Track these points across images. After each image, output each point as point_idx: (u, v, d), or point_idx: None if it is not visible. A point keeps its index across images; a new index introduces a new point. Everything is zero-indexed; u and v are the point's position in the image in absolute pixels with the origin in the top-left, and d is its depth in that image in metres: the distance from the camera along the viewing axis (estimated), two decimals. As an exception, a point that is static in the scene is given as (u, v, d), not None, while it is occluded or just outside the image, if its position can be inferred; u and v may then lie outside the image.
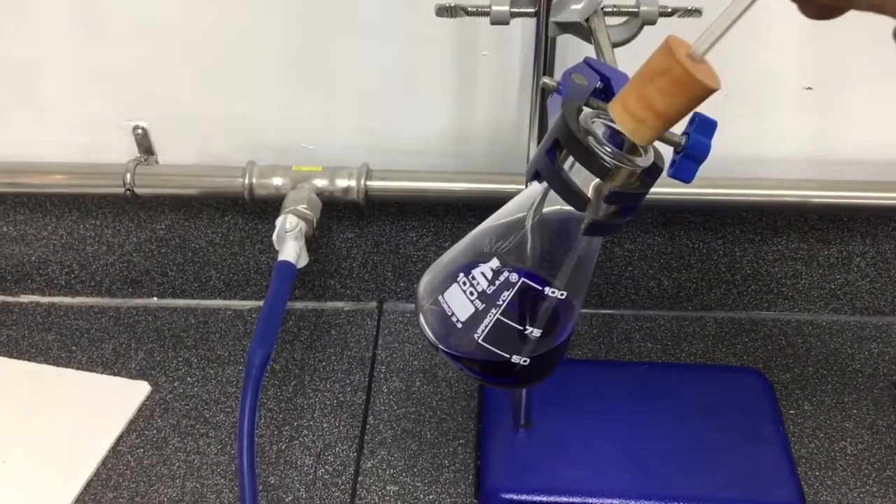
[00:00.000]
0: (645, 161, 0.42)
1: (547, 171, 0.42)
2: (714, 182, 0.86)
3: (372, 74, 0.84)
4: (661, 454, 0.80)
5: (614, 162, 0.41)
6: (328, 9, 0.80)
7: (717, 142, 0.93)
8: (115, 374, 0.89)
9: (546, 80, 0.47)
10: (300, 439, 0.84)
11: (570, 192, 0.42)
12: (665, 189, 0.85)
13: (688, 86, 0.38)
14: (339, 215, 0.92)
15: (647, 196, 0.90)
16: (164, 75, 0.86)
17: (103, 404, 0.86)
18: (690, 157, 0.46)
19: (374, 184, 0.86)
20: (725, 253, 0.94)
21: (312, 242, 0.85)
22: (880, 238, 0.91)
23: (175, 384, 0.89)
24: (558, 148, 0.42)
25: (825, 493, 0.79)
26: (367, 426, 0.85)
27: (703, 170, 0.87)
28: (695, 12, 0.60)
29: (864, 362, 0.92)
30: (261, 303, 0.93)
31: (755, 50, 0.81)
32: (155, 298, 1.00)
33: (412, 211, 0.92)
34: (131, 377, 0.89)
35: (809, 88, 0.83)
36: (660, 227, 0.92)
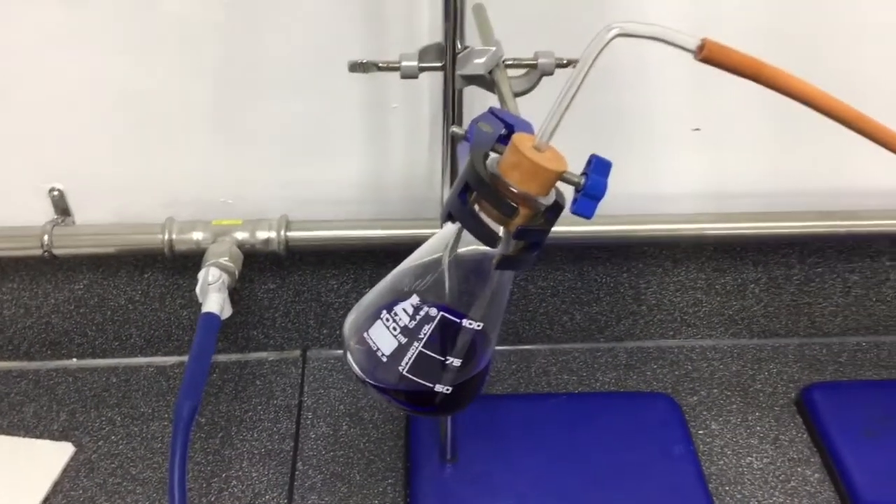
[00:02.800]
0: (547, 200, 0.46)
1: (459, 212, 0.46)
2: (617, 219, 0.92)
3: (288, 129, 0.87)
4: (581, 480, 0.84)
5: (519, 202, 0.45)
6: (242, 66, 0.83)
7: (619, 180, 0.99)
8: (37, 437, 0.88)
9: (455, 128, 0.51)
10: (229, 490, 0.84)
11: (481, 230, 0.45)
12: (573, 227, 0.91)
13: (537, 173, 0.44)
14: (260, 266, 0.94)
15: (557, 234, 0.96)
16: (78, 137, 0.87)
17: (27, 467, 0.85)
18: (589, 195, 0.50)
19: (294, 234, 0.88)
20: (631, 285, 0.99)
21: (234, 294, 0.87)
22: (771, 265, 0.98)
23: (99, 443, 0.89)
24: (469, 191, 0.45)
25: (735, 507, 0.85)
26: (297, 472, 0.86)
27: (607, 207, 0.93)
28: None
29: (764, 382, 0.98)
30: (184, 358, 0.94)
31: (649, 97, 0.87)
32: (75, 360, 0.99)
33: (332, 259, 0.94)
34: (54, 439, 0.88)
35: (697, 129, 0.89)
36: (569, 263, 0.97)
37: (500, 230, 0.46)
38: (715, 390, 0.97)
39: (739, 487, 0.86)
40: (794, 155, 0.91)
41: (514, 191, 0.45)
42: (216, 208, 0.91)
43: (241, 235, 0.88)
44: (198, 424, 0.91)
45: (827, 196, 0.93)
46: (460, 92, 0.65)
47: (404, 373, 0.48)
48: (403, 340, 0.48)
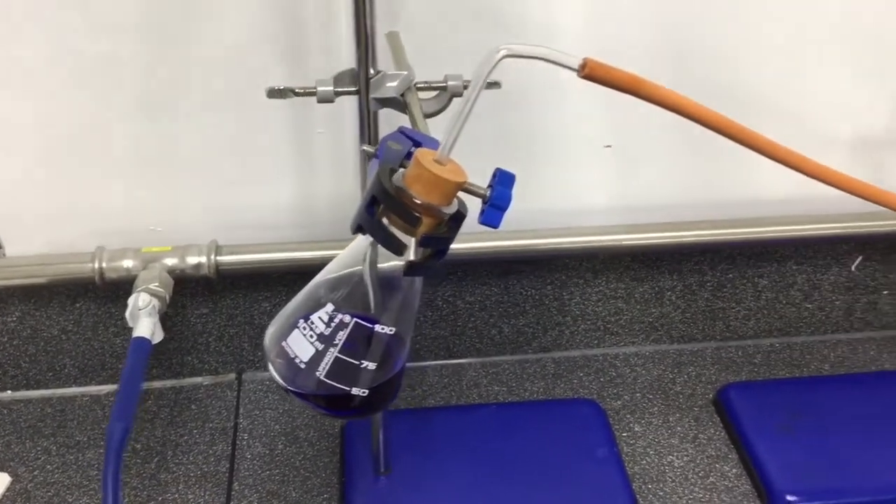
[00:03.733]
0: (450, 209, 0.50)
1: (367, 223, 0.49)
2: (538, 233, 0.96)
3: (215, 155, 0.90)
4: (511, 486, 0.87)
5: (422, 212, 0.48)
6: (167, 96, 0.85)
7: (537, 197, 1.04)
8: (-31, 470, 0.89)
9: (366, 147, 0.54)
10: (166, 512, 0.85)
11: (388, 240, 0.48)
12: (497, 242, 0.94)
13: (438, 184, 0.47)
14: (191, 292, 0.96)
15: (481, 250, 1.01)
16: (4, 169, 0.88)
17: (-41, 500, 0.85)
18: (495, 206, 0.54)
19: (224, 258, 0.90)
20: (555, 297, 1.03)
21: (167, 320, 0.88)
22: (685, 273, 1.04)
23: (35, 473, 0.89)
24: (376, 203, 0.49)
25: (658, 503, 0.88)
26: (233, 493, 0.88)
27: (527, 223, 0.97)
28: (494, 85, 0.69)
29: (683, 385, 1.03)
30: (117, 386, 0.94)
31: (564, 116, 0.91)
32: (9, 392, 0.99)
33: (264, 282, 0.97)
34: (-12, 470, 0.89)
35: (609, 146, 0.94)
36: (496, 278, 1.01)
37: (407, 239, 0.49)
38: (638, 394, 1.01)
39: (661, 485, 0.90)
40: (699, 167, 0.97)
41: (418, 202, 0.48)
42: (146, 236, 0.93)
43: (170, 261, 0.89)
44: (133, 450, 0.92)
45: (732, 206, 0.98)
46: (375, 114, 0.68)
47: (322, 378, 0.51)
48: (320, 347, 0.51)
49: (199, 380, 1.01)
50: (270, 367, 0.53)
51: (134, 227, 0.92)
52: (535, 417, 0.96)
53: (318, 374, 0.51)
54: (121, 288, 0.92)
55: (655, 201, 0.99)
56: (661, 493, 0.89)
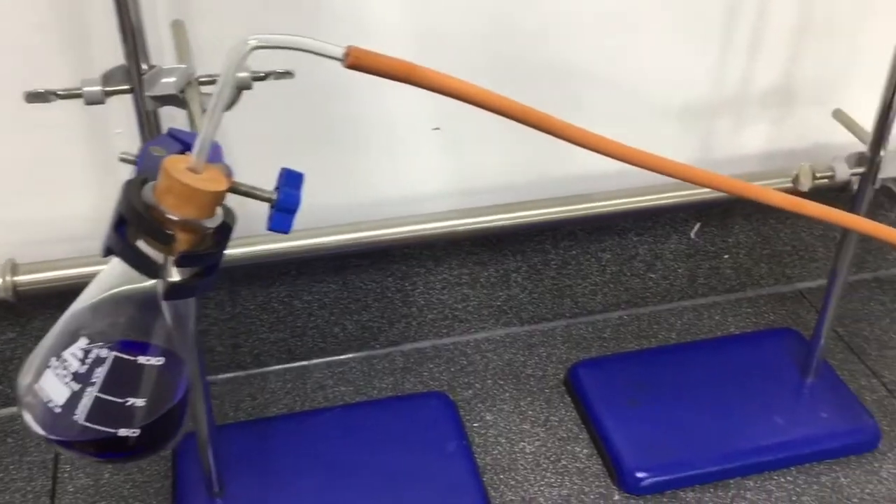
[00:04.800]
0: (213, 222, 0.44)
1: (117, 245, 0.43)
2: (372, 224, 0.91)
3: (5, 169, 0.81)
4: (358, 492, 0.83)
5: (177, 228, 0.43)
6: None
7: (369, 187, 0.99)
8: None
9: (124, 154, 0.48)
10: (-23, 563, 0.77)
11: (140, 262, 0.43)
12: (331, 237, 0.89)
13: (192, 195, 0.42)
14: (-6, 316, 0.87)
15: (315, 246, 0.94)
16: None
17: None
18: (283, 209, 0.49)
19: (23, 278, 0.82)
20: (398, 289, 0.99)
21: None
22: (528, 253, 1.02)
23: None
24: (125, 222, 0.43)
25: (510, 493, 0.86)
26: (55, 532, 0.81)
27: (363, 214, 0.93)
28: (287, 74, 0.64)
29: (535, 367, 1.01)
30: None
31: (386, 101, 0.87)
32: None
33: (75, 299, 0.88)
34: None
35: (437, 129, 0.91)
36: (332, 274, 0.96)
37: (165, 258, 0.44)
38: (489, 381, 0.99)
39: (513, 474, 0.88)
40: (529, 146, 0.94)
41: (172, 217, 0.43)
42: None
43: (-39, 286, 0.81)
44: (-60, 496, 0.83)
45: (569, 182, 0.96)
46: (155, 114, 0.62)
47: (82, 422, 0.45)
48: (76, 387, 0.45)
49: (13, 410, 0.93)
50: (25, 414, 0.46)
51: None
52: (382, 417, 0.92)
53: (76, 418, 0.45)
54: None
55: (491, 183, 0.96)
56: (512, 483, 0.87)
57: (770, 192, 0.60)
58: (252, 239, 0.87)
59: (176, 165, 0.43)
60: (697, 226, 1.05)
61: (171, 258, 0.44)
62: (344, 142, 0.88)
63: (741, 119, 0.99)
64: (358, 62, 0.45)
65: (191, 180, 0.42)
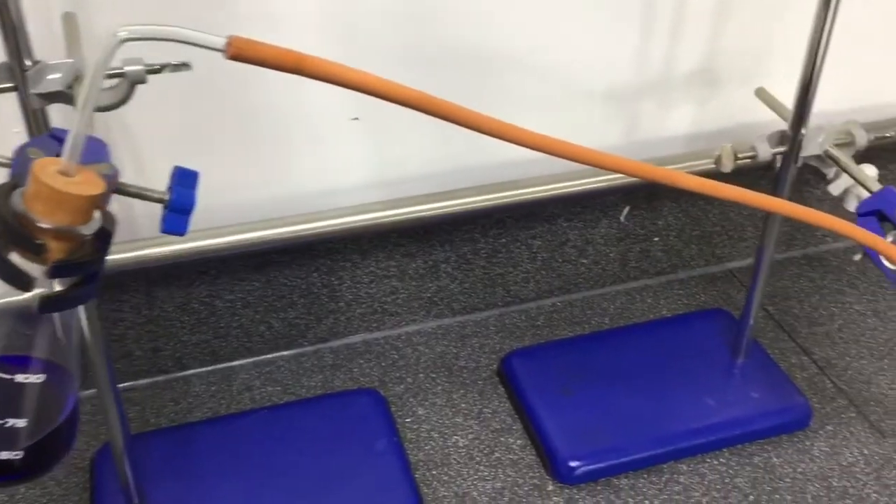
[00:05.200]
0: (89, 228, 0.42)
1: (-14, 257, 0.40)
2: (292, 219, 0.88)
3: None
4: (285, 495, 0.81)
5: (49, 236, 0.40)
6: None
7: (287, 180, 0.96)
8: None
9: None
10: None
11: (9, 275, 0.40)
12: (248, 234, 0.86)
13: (63, 201, 0.39)
14: None
15: (233, 243, 0.90)
16: None
17: None
18: (177, 210, 0.46)
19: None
20: (324, 284, 0.97)
21: None
22: (457, 243, 1.00)
23: None
24: (-1, 232, 0.40)
25: (442, 489, 0.84)
26: (-35, 554, 0.77)
27: (283, 209, 0.90)
28: (183, 66, 0.61)
29: (468, 358, 0.99)
30: None
31: (301, 91, 0.84)
32: None
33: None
34: None
35: (356, 119, 0.88)
36: (253, 272, 0.93)
37: (38, 270, 0.41)
38: (421, 375, 0.97)
39: (446, 469, 0.87)
40: (454, 133, 0.91)
41: (42, 225, 0.40)
42: None
43: None
44: None
45: (493, 169, 0.95)
46: (42, 112, 0.58)
47: (-45, 447, 0.42)
48: (-52, 411, 0.42)
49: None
50: None
51: None
52: (310, 416, 0.89)
53: (-52, 443, 0.42)
54: None
55: (416, 172, 0.94)
56: (445, 478, 0.86)
57: (684, 177, 0.59)
58: (167, 238, 0.83)
59: (45, 168, 0.40)
60: (627, 209, 1.05)
61: (42, 269, 0.41)
62: (261, 134, 0.85)
63: (666, 101, 0.98)
64: (240, 53, 0.42)
65: (60, 184, 0.39)
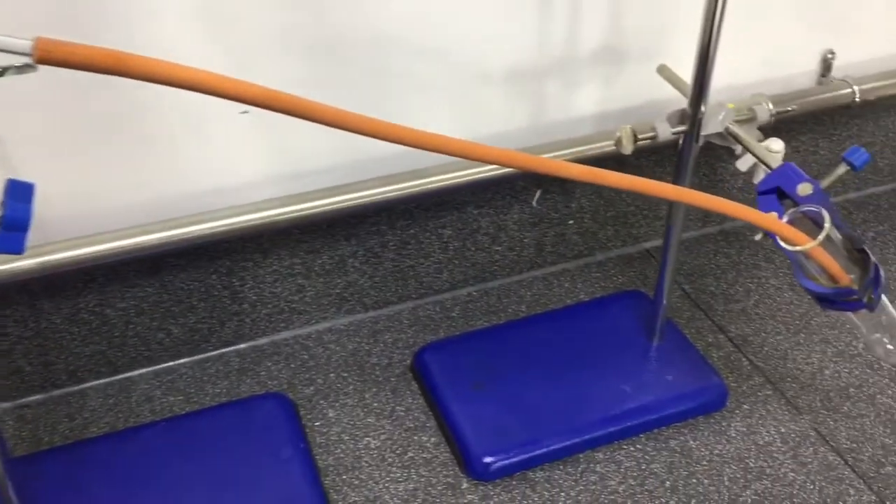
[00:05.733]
0: None
1: None
2: (182, 221, 0.84)
3: None
4: (186, 512, 0.77)
5: None
6: None
7: (175, 179, 0.91)
8: None
9: None
10: None
11: None
12: (135, 238, 0.82)
13: None
14: None
15: (117, 249, 0.84)
16: None
17: None
18: (12, 227, 0.42)
19: None
20: (225, 286, 0.92)
21: None
22: (364, 236, 0.96)
23: None
24: None
25: (353, 494, 0.81)
26: None
27: (173, 210, 0.85)
28: (27, 68, 0.56)
29: (380, 354, 0.96)
30: None
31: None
32: None
33: None
34: None
35: (246, 112, 0.83)
36: (147, 277, 0.88)
37: None
38: (332, 375, 0.94)
39: (357, 473, 0.83)
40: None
41: None
42: None
43: None
44: None
45: (397, 158, 0.91)
46: None
47: None
48: None
49: None
50: None
51: None
52: (212, 426, 0.85)
53: None
54: None
55: (314, 165, 0.90)
56: (356, 483, 0.83)
57: (567, 166, 0.56)
58: (46, 248, 0.79)
59: None
60: (538, 193, 1.02)
61: None
62: (145, 131, 0.80)
63: (571, 81, 0.96)
64: (49, 56, 0.38)
65: None
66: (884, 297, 0.69)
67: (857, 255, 0.65)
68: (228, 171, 0.86)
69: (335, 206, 0.89)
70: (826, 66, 1.09)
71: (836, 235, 0.64)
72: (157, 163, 0.83)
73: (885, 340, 0.75)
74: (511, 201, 1.01)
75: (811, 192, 0.69)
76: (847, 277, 0.64)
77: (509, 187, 1.00)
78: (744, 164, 0.86)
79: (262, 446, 0.83)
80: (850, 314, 0.71)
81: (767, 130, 1.05)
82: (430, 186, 0.92)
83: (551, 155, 0.95)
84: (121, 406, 0.89)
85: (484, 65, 0.91)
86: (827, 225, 0.61)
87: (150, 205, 0.84)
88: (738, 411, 0.90)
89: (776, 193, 0.71)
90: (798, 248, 0.61)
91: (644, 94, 1.00)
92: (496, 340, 0.96)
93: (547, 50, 0.92)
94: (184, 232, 0.84)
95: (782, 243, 0.62)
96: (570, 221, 1.06)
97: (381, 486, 0.82)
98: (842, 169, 0.71)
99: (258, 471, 0.81)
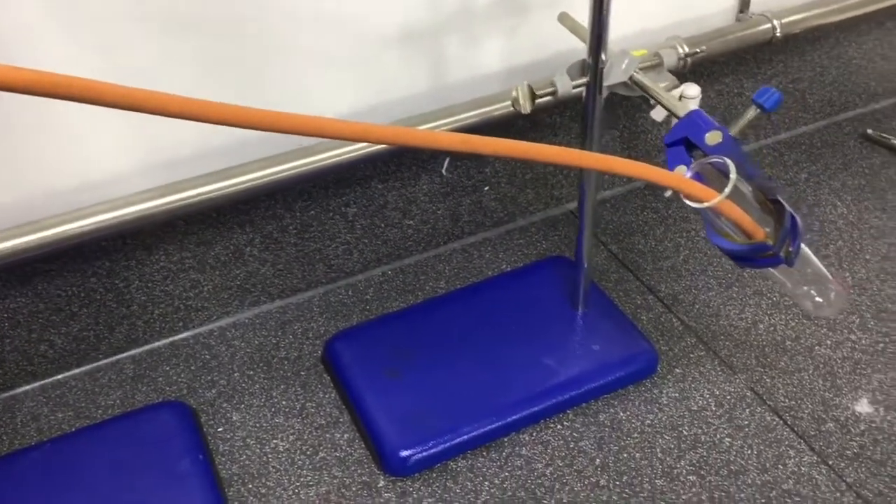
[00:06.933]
0: None
1: None
2: (47, 222, 0.76)
3: None
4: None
5: None
6: None
7: (37, 177, 0.83)
8: None
9: None
10: None
11: None
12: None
13: None
14: None
15: None
16: None
17: None
18: None
19: None
20: (107, 288, 0.85)
21: None
22: (259, 222, 0.89)
23: None
24: None
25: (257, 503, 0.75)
26: None
27: (32, 212, 0.77)
28: None
29: (289, 347, 0.89)
30: None
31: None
32: None
33: None
34: None
35: (106, 96, 0.75)
36: (17, 286, 0.80)
37: None
38: (236, 374, 0.87)
39: (264, 480, 0.77)
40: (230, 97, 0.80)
41: None
42: None
43: None
44: None
45: (281, 137, 0.83)
46: None
47: None
48: None
49: None
50: None
51: None
52: (102, 443, 0.78)
53: None
54: None
55: (192, 150, 0.82)
56: (263, 491, 0.76)
57: (443, 136, 0.50)
58: None
59: None
60: (447, 160, 0.95)
61: None
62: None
63: (470, 36, 0.88)
64: None
65: None
66: (806, 249, 0.64)
67: (771, 206, 0.59)
68: (97, 163, 0.78)
69: (220, 192, 0.82)
70: (744, 1, 1.03)
71: (746, 187, 0.58)
72: (14, 158, 0.74)
73: (814, 293, 0.70)
74: (418, 171, 0.94)
75: (721, 140, 0.63)
76: (762, 232, 0.59)
77: (413, 157, 0.93)
78: (658, 114, 0.80)
79: (154, 461, 0.76)
80: (772, 270, 0.65)
81: (685, 75, 0.99)
82: (327, 163, 0.85)
83: (453, 119, 0.88)
84: (4, 428, 0.82)
85: (374, 28, 0.83)
86: (732, 176, 0.55)
87: (10, 207, 0.75)
88: (669, 376, 0.85)
89: (685, 144, 0.65)
90: (703, 204, 0.55)
91: (552, 46, 0.93)
92: (412, 322, 0.90)
93: (439, 3, 0.85)
94: (51, 234, 0.76)
95: (687, 200, 0.56)
96: (486, 187, 1.00)
97: (290, 493, 0.76)
98: (752, 112, 0.65)
99: (153, 489, 0.74)
